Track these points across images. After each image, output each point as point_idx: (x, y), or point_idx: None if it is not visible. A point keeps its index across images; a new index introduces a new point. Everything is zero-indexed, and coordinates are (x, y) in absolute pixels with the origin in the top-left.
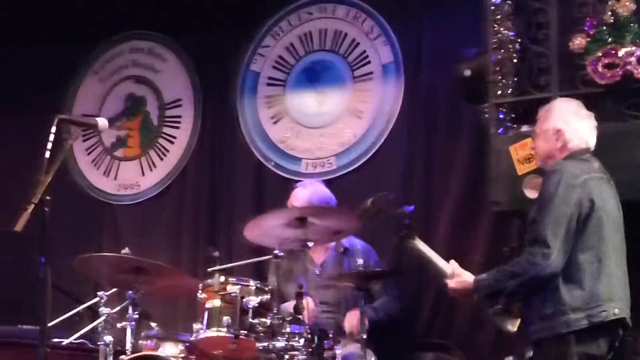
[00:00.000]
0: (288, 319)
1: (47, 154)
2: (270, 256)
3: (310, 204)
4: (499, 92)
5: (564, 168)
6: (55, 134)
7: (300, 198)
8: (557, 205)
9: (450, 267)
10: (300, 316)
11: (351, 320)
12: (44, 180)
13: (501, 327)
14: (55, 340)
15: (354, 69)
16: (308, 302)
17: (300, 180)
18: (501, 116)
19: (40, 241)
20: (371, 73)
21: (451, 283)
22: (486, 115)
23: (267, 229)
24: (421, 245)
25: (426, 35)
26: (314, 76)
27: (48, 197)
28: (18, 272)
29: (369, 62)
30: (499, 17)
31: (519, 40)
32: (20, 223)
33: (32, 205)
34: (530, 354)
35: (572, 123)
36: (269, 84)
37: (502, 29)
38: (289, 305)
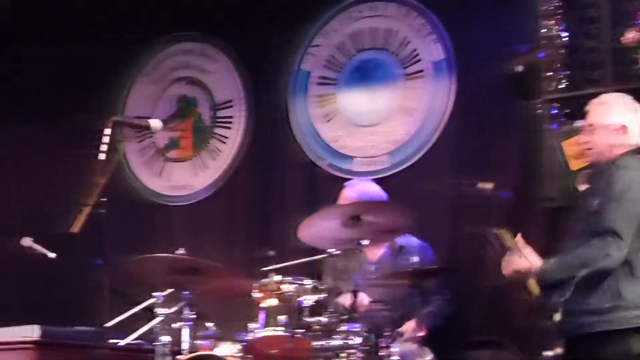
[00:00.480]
0: (343, 316)
1: (101, 156)
2: (326, 255)
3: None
4: (552, 88)
5: (633, 165)
6: (109, 135)
7: (349, 197)
8: (631, 202)
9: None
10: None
11: (408, 326)
12: (99, 182)
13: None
14: (112, 341)
15: (405, 66)
16: (361, 298)
17: (351, 179)
18: (554, 112)
19: (97, 243)
20: (422, 71)
21: (514, 262)
22: (539, 111)
23: (321, 230)
24: (507, 235)
25: (477, 31)
26: (366, 74)
27: (103, 199)
28: (75, 274)
29: (420, 60)
30: (550, 12)
31: (571, 35)
32: (77, 225)
33: (88, 207)
34: (559, 350)
35: (633, 119)
36: (320, 83)
37: (553, 24)
38: (343, 299)
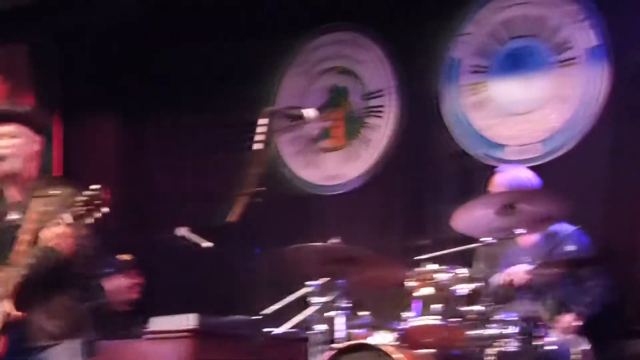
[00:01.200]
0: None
1: (257, 147)
2: (480, 244)
3: (511, 190)
4: None
5: None
6: (264, 126)
7: (500, 184)
8: None
9: None
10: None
11: (565, 319)
12: (255, 172)
13: None
14: (268, 330)
15: (558, 53)
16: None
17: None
18: None
19: (254, 232)
20: (576, 57)
21: None
22: None
23: (474, 218)
24: None
25: (632, 16)
26: (518, 62)
27: (260, 189)
28: (232, 263)
29: (573, 46)
30: None
31: None
32: (234, 214)
33: (245, 197)
34: None
35: None
36: (471, 71)
37: None
38: (498, 278)
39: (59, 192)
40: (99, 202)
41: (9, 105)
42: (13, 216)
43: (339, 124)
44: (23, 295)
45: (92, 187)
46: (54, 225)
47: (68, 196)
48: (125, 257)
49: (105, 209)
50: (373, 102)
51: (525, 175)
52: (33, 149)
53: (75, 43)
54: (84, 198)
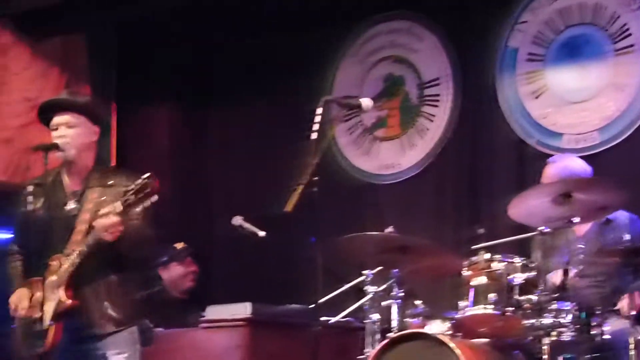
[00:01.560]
0: (554, 294)
1: (314, 136)
2: (535, 232)
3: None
4: None
5: None
6: (321, 115)
7: (552, 174)
8: None
9: None
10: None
11: (624, 302)
12: (311, 161)
13: None
14: (323, 318)
15: (615, 41)
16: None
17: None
18: None
19: (310, 221)
20: (633, 45)
21: None
22: None
23: (531, 207)
24: None
25: None
26: (574, 50)
27: (316, 178)
28: (289, 252)
29: (630, 34)
30: None
31: None
32: (290, 203)
33: (301, 186)
34: None
35: None
36: (528, 60)
37: None
38: (554, 275)
39: (113, 181)
40: (148, 190)
41: (68, 95)
42: (71, 206)
43: (394, 113)
44: (77, 283)
45: (142, 175)
46: (106, 214)
47: (122, 186)
48: (180, 245)
49: (155, 197)
50: (429, 91)
51: (578, 165)
52: (90, 139)
53: (132, 34)
54: (134, 187)
